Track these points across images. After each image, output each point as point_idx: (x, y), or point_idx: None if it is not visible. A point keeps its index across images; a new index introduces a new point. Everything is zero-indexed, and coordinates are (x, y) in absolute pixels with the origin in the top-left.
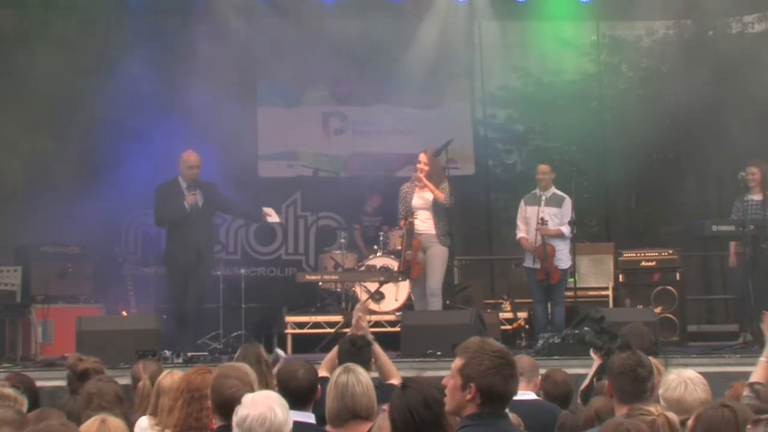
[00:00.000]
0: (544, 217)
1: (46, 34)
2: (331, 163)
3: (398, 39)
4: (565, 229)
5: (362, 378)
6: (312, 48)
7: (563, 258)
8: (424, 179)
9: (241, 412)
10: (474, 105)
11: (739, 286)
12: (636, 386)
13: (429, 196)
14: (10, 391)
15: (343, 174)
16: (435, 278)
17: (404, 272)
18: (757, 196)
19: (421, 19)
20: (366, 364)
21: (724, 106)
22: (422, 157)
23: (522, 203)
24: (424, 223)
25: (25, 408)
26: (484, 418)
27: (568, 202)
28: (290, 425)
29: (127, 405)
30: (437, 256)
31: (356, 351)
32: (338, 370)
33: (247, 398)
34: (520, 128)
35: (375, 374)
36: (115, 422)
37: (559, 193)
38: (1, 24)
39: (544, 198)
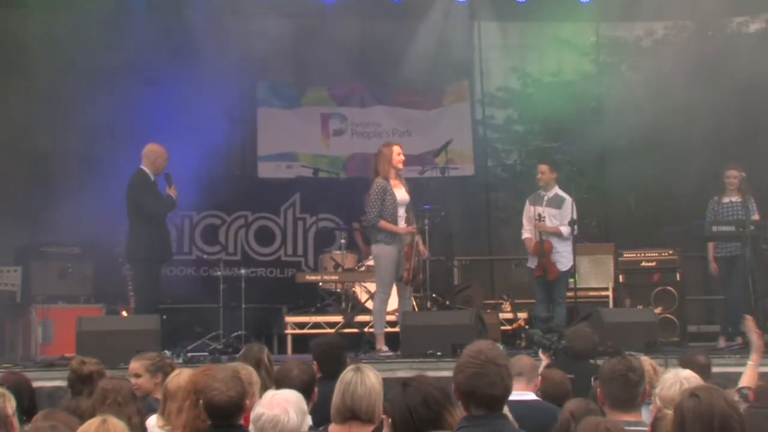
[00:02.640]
0: (541, 214)
1: (47, 34)
2: (331, 164)
3: (398, 39)
4: (565, 230)
5: (368, 380)
6: (312, 48)
7: (562, 259)
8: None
9: (257, 411)
10: (474, 105)
11: (724, 288)
12: (627, 391)
13: (404, 192)
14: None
15: (343, 175)
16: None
17: (412, 281)
18: (736, 198)
19: (421, 19)
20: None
21: (724, 106)
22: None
23: (527, 202)
24: (402, 218)
25: (13, 406)
26: (479, 419)
27: (568, 203)
28: (305, 429)
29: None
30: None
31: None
32: (349, 367)
33: (266, 397)
34: (520, 128)
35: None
36: (116, 423)
37: (561, 193)
38: (1, 24)
39: (546, 198)
